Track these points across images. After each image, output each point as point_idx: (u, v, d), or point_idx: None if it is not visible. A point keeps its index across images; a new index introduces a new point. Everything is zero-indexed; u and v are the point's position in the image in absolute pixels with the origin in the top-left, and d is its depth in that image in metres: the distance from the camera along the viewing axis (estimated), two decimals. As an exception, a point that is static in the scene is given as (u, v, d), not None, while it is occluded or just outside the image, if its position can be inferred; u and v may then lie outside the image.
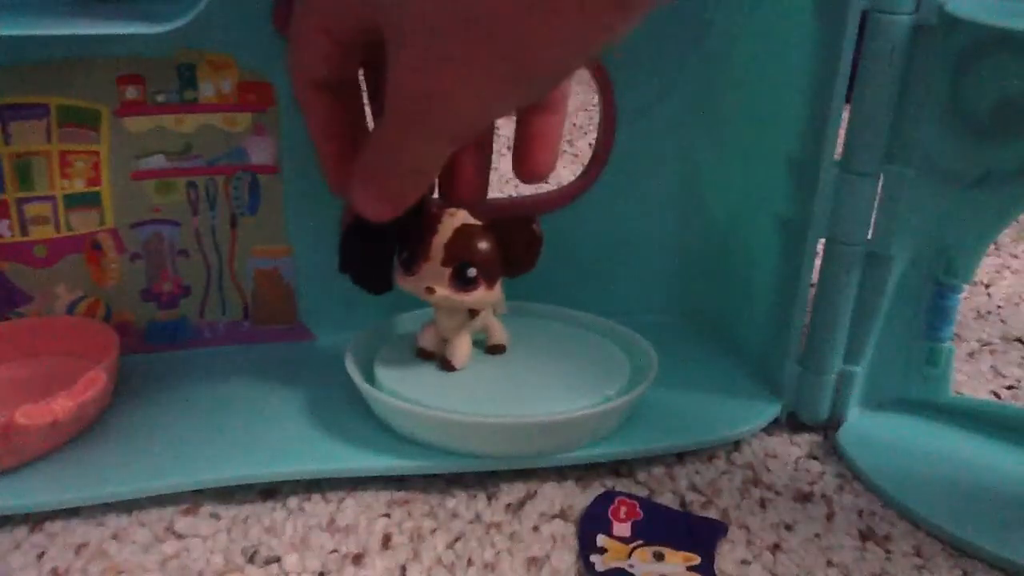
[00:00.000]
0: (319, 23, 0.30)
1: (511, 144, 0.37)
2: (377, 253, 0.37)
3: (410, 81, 0.27)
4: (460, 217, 0.36)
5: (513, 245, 0.36)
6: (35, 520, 0.34)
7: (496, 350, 0.40)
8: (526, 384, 0.38)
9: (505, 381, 0.38)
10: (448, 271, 0.35)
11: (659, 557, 0.33)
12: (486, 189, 0.38)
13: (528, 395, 0.37)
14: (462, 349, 0.39)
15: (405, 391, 0.37)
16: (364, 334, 0.41)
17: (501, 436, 0.36)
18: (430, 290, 0.35)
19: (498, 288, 0.37)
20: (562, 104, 0.36)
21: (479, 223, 0.36)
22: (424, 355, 0.39)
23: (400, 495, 0.36)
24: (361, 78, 0.36)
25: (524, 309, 0.43)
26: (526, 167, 0.36)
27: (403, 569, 0.32)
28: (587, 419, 0.36)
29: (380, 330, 0.42)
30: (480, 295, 0.36)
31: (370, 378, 0.38)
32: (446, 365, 0.39)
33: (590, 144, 0.75)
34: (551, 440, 0.36)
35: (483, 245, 0.36)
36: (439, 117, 0.28)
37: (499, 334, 0.40)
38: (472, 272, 0.35)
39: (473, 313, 0.38)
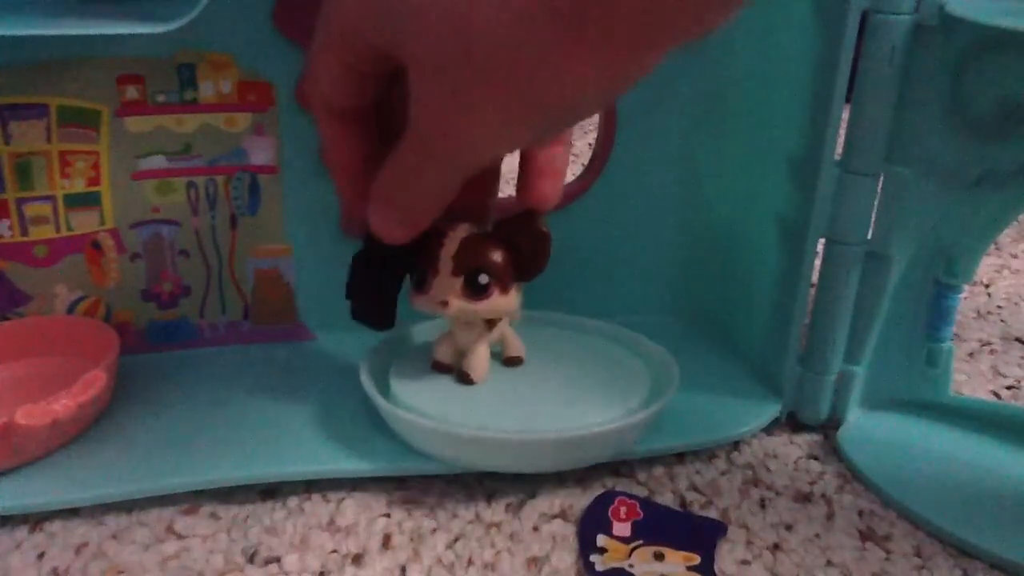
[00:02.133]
0: (336, 51, 0.30)
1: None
2: (384, 281, 0.36)
3: (427, 113, 0.27)
4: (464, 228, 0.35)
5: (521, 246, 0.35)
6: (35, 520, 0.34)
7: (513, 362, 0.39)
8: (548, 398, 0.37)
9: (526, 395, 0.37)
10: (459, 281, 0.35)
11: (659, 557, 0.33)
12: (495, 206, 0.38)
13: (551, 410, 0.36)
14: (481, 362, 0.38)
15: (425, 407, 0.36)
16: (378, 347, 0.40)
17: (533, 453, 0.35)
18: (445, 303, 0.35)
19: (513, 294, 0.36)
20: (567, 137, 0.36)
21: (484, 231, 0.36)
22: (440, 368, 0.38)
23: (400, 495, 0.36)
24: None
25: (538, 318, 0.42)
26: (530, 198, 0.35)
27: (403, 569, 0.32)
28: (615, 432, 0.35)
29: (392, 342, 0.41)
30: (495, 302, 0.35)
31: (385, 391, 0.37)
32: (464, 379, 0.38)
33: (590, 144, 0.75)
34: (577, 454, 0.36)
35: (491, 250, 0.35)
36: (454, 149, 0.28)
37: (516, 346, 0.39)
38: (484, 278, 0.35)
39: (490, 324, 0.37)
